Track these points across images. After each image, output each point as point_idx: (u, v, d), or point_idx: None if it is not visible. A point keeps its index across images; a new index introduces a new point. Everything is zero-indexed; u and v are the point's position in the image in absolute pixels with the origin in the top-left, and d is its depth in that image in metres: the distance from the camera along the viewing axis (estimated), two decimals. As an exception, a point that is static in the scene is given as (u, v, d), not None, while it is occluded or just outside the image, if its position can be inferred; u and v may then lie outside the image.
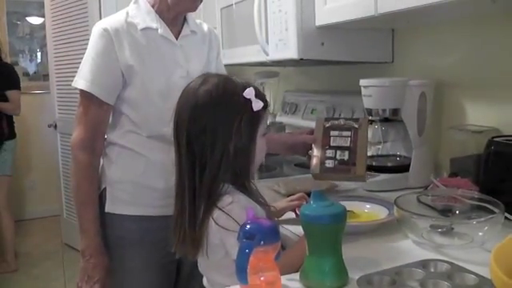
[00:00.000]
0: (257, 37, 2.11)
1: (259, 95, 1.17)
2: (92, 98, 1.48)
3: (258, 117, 1.18)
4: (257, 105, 1.15)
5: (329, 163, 1.49)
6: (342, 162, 1.48)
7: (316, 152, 1.52)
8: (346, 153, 1.48)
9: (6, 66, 4.05)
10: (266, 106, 1.19)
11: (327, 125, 1.53)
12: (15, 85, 3.95)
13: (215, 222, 1.12)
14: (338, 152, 1.49)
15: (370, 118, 1.81)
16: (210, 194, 1.14)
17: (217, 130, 1.14)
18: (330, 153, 1.50)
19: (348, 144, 1.49)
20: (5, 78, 3.90)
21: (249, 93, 1.15)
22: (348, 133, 1.50)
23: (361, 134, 1.50)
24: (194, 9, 1.54)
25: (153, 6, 1.53)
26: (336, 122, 1.53)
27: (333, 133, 1.52)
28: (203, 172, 1.14)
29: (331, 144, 1.50)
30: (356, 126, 1.51)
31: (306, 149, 1.57)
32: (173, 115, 1.21)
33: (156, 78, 1.49)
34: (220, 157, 1.13)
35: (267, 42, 2.11)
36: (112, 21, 1.50)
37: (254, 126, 1.17)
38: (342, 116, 1.58)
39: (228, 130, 1.13)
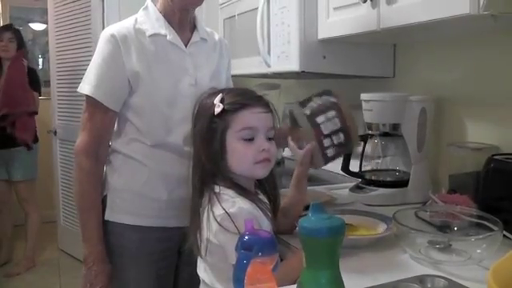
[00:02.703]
0: (259, 48, 2.12)
1: (226, 100, 1.24)
2: (97, 104, 1.46)
3: (224, 121, 1.23)
4: (217, 109, 1.23)
5: (330, 152, 1.41)
6: (339, 144, 1.40)
7: (310, 145, 1.40)
8: (341, 135, 1.39)
9: (34, 70, 4.12)
10: (235, 110, 1.23)
11: (308, 112, 1.41)
12: (39, 89, 4.07)
13: (219, 223, 1.14)
14: (334, 137, 1.39)
15: (370, 132, 1.82)
16: (202, 191, 1.25)
17: (195, 135, 1.29)
18: (327, 142, 1.39)
19: (339, 125, 1.39)
20: (35, 82, 3.98)
21: (216, 99, 1.25)
22: (332, 112, 1.39)
23: (342, 104, 1.40)
24: (194, 2, 1.50)
25: (161, 12, 1.52)
26: (314, 105, 1.41)
27: (319, 119, 1.39)
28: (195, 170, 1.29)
29: (324, 133, 1.39)
30: (334, 99, 1.41)
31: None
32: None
33: (162, 84, 1.47)
34: (196, 159, 1.28)
35: (269, 53, 2.12)
36: (120, 27, 1.49)
37: (221, 130, 1.23)
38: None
39: (198, 133, 1.27)
